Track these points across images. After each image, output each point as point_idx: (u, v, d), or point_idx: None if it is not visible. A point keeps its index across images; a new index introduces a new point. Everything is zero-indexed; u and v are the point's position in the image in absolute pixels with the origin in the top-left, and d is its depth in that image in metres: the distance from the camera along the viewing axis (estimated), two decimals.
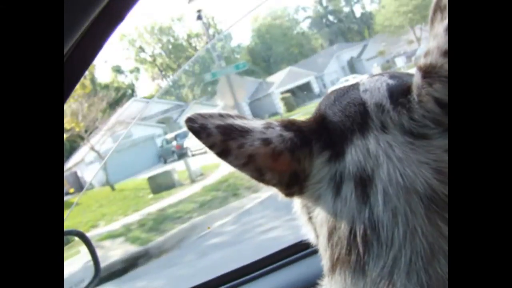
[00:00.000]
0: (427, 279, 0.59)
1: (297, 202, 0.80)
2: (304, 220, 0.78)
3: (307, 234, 0.80)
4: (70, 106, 16.28)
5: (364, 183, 0.66)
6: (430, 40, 0.63)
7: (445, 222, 0.60)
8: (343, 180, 0.68)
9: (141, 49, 44.75)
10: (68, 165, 22.18)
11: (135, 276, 7.02)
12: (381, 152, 0.65)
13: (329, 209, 0.69)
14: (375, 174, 0.65)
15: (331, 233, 0.69)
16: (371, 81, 0.75)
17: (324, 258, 0.71)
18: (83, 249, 1.54)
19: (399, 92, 0.68)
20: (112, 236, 9.72)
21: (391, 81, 0.72)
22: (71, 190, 20.52)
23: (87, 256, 1.52)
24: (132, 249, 8.50)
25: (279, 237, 5.69)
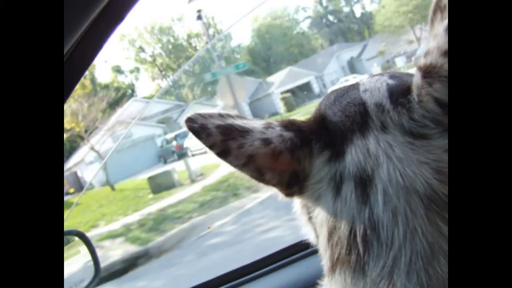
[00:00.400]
0: (427, 279, 0.59)
1: (297, 202, 0.80)
2: (304, 220, 0.78)
3: (307, 234, 0.80)
4: (70, 106, 16.27)
5: (364, 183, 0.66)
6: (430, 40, 0.63)
7: (445, 222, 0.60)
8: (343, 180, 0.68)
9: (141, 49, 44.73)
10: (68, 165, 22.17)
11: (135, 276, 7.01)
12: (381, 152, 0.66)
13: (329, 209, 0.69)
14: (375, 174, 0.65)
15: (331, 233, 0.69)
16: (371, 81, 0.75)
17: (324, 258, 0.71)
18: (83, 249, 1.54)
19: (399, 92, 0.69)
20: (112, 236, 9.72)
21: (391, 81, 0.72)
22: (71, 190, 20.53)
23: (87, 256, 1.52)
24: (132, 249, 8.50)
25: (279, 237, 5.67)
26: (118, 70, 44.79)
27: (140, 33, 43.37)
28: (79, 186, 21.79)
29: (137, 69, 45.76)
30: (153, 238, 8.83)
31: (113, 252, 8.50)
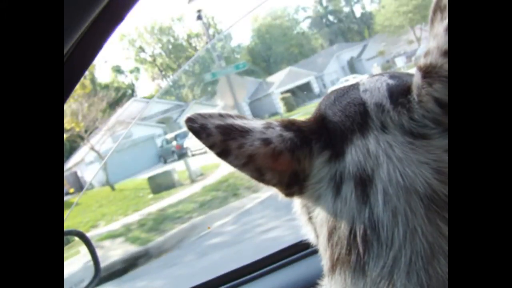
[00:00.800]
0: (427, 279, 0.59)
1: (297, 202, 0.80)
2: (304, 220, 0.78)
3: (307, 234, 0.80)
4: (70, 106, 16.23)
5: (364, 183, 0.66)
6: (430, 40, 0.63)
7: (445, 222, 0.60)
8: (343, 180, 0.68)
9: (141, 49, 44.65)
10: (68, 165, 22.12)
11: (135, 276, 7.01)
12: (381, 152, 0.66)
13: (329, 209, 0.69)
14: (375, 174, 0.65)
15: (331, 233, 0.69)
16: (371, 81, 0.75)
17: (324, 258, 0.72)
18: (83, 249, 1.54)
19: (399, 92, 0.69)
20: (112, 236, 9.70)
21: (391, 81, 0.72)
22: (71, 190, 20.44)
23: (87, 256, 1.52)
24: (132, 249, 8.49)
25: (279, 237, 5.66)
26: (118, 70, 44.69)
27: (140, 33, 43.30)
28: (79, 186, 21.73)
29: (137, 69, 45.67)
30: (153, 238, 8.82)
31: (113, 252, 8.49)
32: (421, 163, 0.63)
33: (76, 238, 1.57)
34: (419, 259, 0.60)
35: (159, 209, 11.19)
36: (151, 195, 13.46)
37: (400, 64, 24.96)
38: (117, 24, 1.10)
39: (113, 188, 17.01)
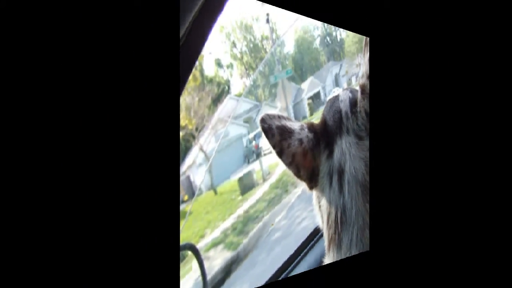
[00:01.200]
0: (362, 246, 0.81)
1: (314, 194, 1.01)
2: (316, 209, 1.01)
3: (318, 221, 1.02)
4: (184, 99, 16.34)
5: (340, 175, 0.89)
6: (363, 66, 0.88)
7: (368, 202, 0.76)
8: (333, 174, 0.91)
9: (234, 44, 46.12)
10: (182, 168, 22.50)
11: (230, 284, 7.15)
12: (347, 150, 0.89)
13: (327, 198, 0.92)
14: (344, 167, 0.88)
15: (328, 218, 0.92)
16: (343, 93, 1.00)
17: (325, 239, 0.95)
18: (195, 264, 1.48)
19: (353, 104, 0.93)
20: (215, 244, 10.02)
21: (351, 95, 0.97)
22: (185, 198, 20.49)
23: (198, 272, 1.45)
24: (228, 255, 8.72)
25: (307, 225, 6.33)
26: (219, 63, 46.28)
27: (233, 27, 44.71)
28: (192, 192, 22.06)
29: (232, 65, 47.18)
30: (241, 241, 9.06)
31: (215, 262, 8.76)
32: (360, 159, 0.90)
33: (189, 253, 1.51)
34: (359, 232, 0.85)
35: (245, 210, 11.52)
36: (240, 197, 13.79)
37: (354, 82, 35.30)
38: (219, 13, 1.07)
39: (216, 192, 17.30)
